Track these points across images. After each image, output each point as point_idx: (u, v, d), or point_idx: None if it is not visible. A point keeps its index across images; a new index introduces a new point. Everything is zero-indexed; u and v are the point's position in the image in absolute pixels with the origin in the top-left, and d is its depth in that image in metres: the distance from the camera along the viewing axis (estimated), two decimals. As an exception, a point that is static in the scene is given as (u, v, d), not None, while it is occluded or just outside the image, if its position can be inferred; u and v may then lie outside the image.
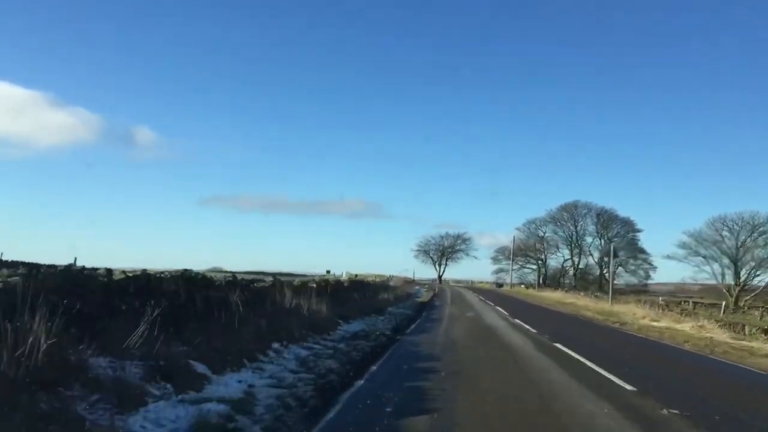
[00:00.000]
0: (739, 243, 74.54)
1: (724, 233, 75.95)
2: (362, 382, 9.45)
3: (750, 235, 73.56)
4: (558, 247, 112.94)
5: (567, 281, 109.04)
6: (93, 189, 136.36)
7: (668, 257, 77.40)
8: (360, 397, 8.22)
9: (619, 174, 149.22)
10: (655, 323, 25.40)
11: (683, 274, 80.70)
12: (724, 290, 74.90)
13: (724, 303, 57.33)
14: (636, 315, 29.76)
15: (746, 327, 25.31)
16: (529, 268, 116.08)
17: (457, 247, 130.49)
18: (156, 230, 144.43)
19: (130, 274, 10.84)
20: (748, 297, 71.60)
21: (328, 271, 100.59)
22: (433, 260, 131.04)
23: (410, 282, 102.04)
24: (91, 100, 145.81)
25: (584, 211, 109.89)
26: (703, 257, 76.18)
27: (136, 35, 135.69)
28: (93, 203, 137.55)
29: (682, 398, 9.02)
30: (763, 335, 21.50)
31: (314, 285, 22.48)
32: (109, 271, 10.95)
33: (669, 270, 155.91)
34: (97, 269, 11.46)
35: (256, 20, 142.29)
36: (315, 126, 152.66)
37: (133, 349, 7.52)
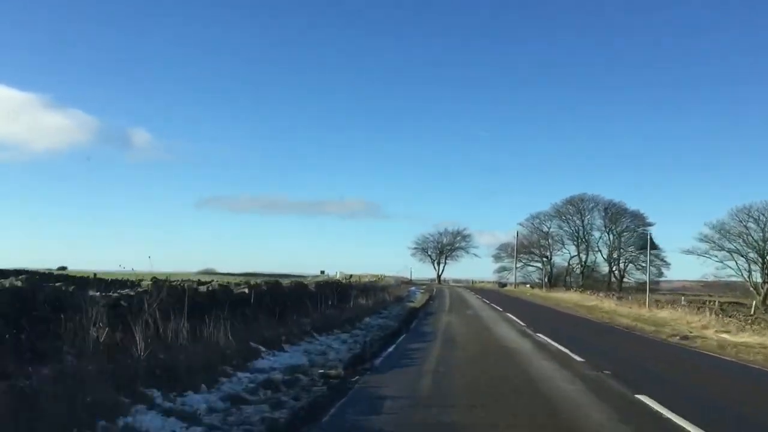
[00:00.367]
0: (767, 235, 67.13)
1: (750, 225, 68.58)
2: None
3: (780, 226, 66.34)
4: (563, 243, 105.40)
5: (572, 280, 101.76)
6: (90, 191, 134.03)
7: (689, 252, 69.78)
8: None
9: (626, 166, 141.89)
10: (733, 338, 17.95)
11: (704, 270, 72.85)
12: (751, 288, 67.48)
13: (754, 302, 50.24)
14: (692, 324, 22.35)
15: None
16: (533, 266, 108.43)
17: (457, 245, 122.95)
18: (151, 232, 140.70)
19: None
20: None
21: (322, 272, 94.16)
22: (431, 259, 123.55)
23: (406, 282, 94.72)
24: (88, 101, 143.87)
25: (591, 205, 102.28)
26: (727, 251, 68.66)
27: (132, 36, 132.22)
28: (89, 206, 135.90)
29: None
30: None
31: (245, 290, 15.10)
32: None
33: (682, 266, 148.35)
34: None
35: (254, 20, 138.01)
36: (313, 126, 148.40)
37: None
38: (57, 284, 10.69)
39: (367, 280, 55.75)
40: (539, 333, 18.12)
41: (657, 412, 7.54)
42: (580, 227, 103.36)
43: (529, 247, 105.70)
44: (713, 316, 25.03)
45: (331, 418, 6.92)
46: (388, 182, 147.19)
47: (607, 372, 10.68)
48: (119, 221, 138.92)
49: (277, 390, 8.03)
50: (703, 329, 20.56)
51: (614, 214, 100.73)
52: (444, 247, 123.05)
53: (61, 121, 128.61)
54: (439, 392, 8.73)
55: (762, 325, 22.23)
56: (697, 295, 62.70)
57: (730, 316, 26.07)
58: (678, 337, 18.38)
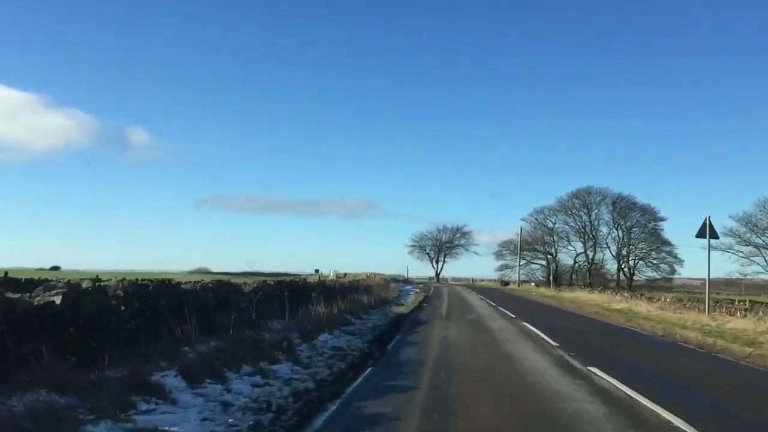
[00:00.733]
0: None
1: (779, 217, 61.25)
2: None
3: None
4: (569, 240, 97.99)
5: (578, 278, 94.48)
6: (88, 191, 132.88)
7: (712, 248, 62.06)
8: None
9: (634, 160, 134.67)
10: None
11: (728, 267, 65.32)
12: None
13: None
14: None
15: None
16: (537, 263, 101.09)
17: (456, 242, 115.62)
18: (149, 232, 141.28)
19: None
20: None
21: (316, 270, 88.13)
22: (429, 257, 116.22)
23: (402, 280, 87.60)
24: (86, 101, 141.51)
25: (598, 199, 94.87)
26: (754, 246, 61.33)
27: (131, 36, 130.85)
28: (87, 205, 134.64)
29: None
30: None
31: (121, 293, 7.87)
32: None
33: (694, 263, 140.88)
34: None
35: (253, 20, 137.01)
36: (312, 125, 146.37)
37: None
38: None
39: (360, 278, 49.90)
40: (592, 366, 10.78)
41: None
42: (587, 222, 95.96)
43: (533, 243, 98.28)
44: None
45: None
46: (387, 181, 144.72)
47: None
48: (117, 221, 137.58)
49: None
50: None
51: (623, 208, 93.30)
52: (443, 245, 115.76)
53: (59, 121, 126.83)
54: None
55: None
56: (727, 295, 55.45)
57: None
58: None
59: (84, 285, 8.58)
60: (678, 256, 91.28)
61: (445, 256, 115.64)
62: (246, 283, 16.15)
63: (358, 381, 9.30)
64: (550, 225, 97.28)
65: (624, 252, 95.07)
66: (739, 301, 45.79)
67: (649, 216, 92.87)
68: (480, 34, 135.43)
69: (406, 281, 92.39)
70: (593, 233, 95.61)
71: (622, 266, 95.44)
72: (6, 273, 28.57)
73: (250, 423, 6.19)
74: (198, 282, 14.47)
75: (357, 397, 8.04)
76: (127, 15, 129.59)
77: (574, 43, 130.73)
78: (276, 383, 8.37)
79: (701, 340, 16.07)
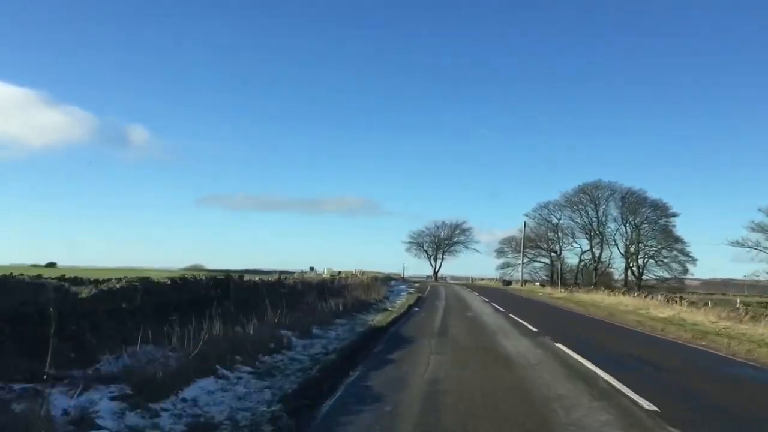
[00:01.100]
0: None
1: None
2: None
3: None
4: (574, 237, 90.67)
5: (584, 278, 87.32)
6: (86, 189, 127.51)
7: (738, 244, 55.27)
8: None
9: (644, 153, 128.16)
10: None
11: (751, 267, 58.04)
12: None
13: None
14: None
15: None
16: (540, 261, 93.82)
17: (455, 239, 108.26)
18: (145, 230, 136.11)
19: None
20: None
21: (311, 268, 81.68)
22: (427, 254, 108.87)
23: (399, 279, 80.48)
24: (85, 98, 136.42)
25: (607, 193, 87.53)
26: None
27: (130, 33, 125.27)
28: (85, 203, 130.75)
29: None
30: None
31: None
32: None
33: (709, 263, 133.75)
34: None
35: (252, 19, 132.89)
36: (311, 124, 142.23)
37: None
38: None
39: (342, 276, 43.03)
40: None
41: None
42: (594, 218, 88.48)
43: (536, 240, 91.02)
44: None
45: None
46: (387, 180, 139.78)
47: None
48: (115, 218, 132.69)
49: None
50: None
51: (633, 203, 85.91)
52: (441, 242, 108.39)
53: (58, 118, 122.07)
54: None
55: None
56: (745, 296, 48.31)
57: None
58: None
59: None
60: (691, 254, 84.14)
61: (443, 254, 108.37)
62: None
63: None
64: (555, 221, 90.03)
65: (632, 250, 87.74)
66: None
67: (661, 212, 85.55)
68: (480, 33, 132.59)
69: (403, 280, 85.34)
70: (600, 230, 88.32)
71: (631, 265, 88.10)
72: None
73: None
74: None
75: None
76: (127, 13, 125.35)
77: (574, 43, 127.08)
78: None
79: None
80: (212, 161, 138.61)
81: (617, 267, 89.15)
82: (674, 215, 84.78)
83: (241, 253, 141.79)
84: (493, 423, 6.31)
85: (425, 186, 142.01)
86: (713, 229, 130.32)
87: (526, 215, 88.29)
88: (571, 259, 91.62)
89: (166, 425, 5.74)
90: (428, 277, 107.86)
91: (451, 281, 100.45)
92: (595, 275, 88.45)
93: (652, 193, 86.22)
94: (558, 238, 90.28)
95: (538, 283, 76.18)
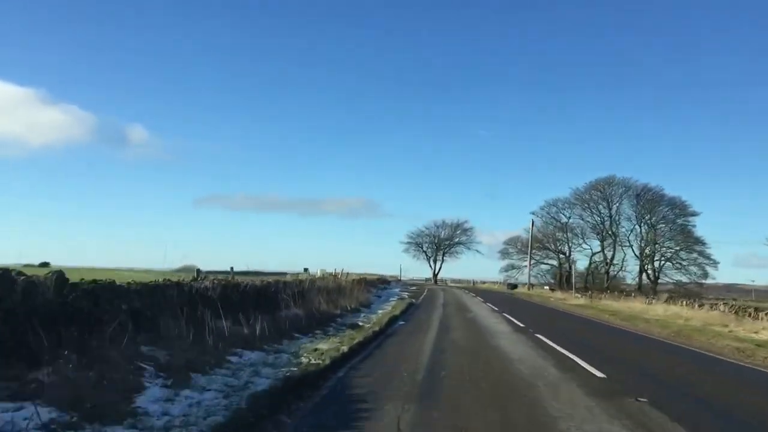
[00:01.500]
0: None
1: None
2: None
3: None
4: (584, 237, 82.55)
5: (594, 281, 79.33)
6: (84, 188, 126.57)
7: None
8: None
9: (660, 145, 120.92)
10: None
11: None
12: None
13: None
14: None
15: None
16: (547, 263, 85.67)
17: (456, 239, 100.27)
18: (143, 229, 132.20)
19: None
20: None
21: (305, 269, 75.61)
22: (426, 255, 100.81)
23: (394, 281, 72.60)
24: (84, 97, 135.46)
25: (621, 190, 79.43)
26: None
27: (130, 33, 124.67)
28: (82, 202, 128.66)
29: None
30: None
31: None
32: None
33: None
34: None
35: (252, 19, 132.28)
36: (311, 125, 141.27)
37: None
38: None
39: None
40: None
41: None
42: (607, 217, 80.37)
43: (544, 241, 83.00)
44: None
45: None
46: (387, 181, 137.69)
47: None
48: (115, 218, 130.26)
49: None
50: None
51: (649, 201, 77.79)
52: (441, 242, 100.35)
53: (58, 117, 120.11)
54: None
55: None
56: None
57: None
58: None
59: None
60: (712, 257, 75.91)
61: (443, 255, 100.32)
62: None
63: None
64: (564, 220, 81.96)
65: (648, 251, 79.58)
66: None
67: (679, 210, 77.48)
68: (480, 34, 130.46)
69: (398, 282, 77.48)
70: (613, 230, 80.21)
71: (646, 267, 79.89)
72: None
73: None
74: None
75: None
76: (128, 13, 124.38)
77: (574, 43, 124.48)
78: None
79: None
80: (212, 161, 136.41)
81: (630, 270, 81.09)
82: (694, 214, 76.65)
83: (241, 253, 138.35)
84: None
85: (425, 187, 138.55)
86: (727, 230, 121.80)
87: (534, 213, 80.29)
88: (578, 261, 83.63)
89: None
90: (427, 279, 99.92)
91: (452, 284, 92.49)
92: (606, 279, 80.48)
93: (670, 191, 78.16)
94: (567, 238, 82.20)
95: (547, 287, 68.08)
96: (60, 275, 8.07)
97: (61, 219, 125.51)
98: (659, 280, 79.01)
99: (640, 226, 79.19)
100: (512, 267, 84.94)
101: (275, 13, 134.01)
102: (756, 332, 16.04)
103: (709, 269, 76.09)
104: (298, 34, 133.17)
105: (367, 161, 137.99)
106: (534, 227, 77.81)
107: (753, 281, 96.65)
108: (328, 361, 9.40)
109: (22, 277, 7.45)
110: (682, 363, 11.70)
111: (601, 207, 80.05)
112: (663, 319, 21.79)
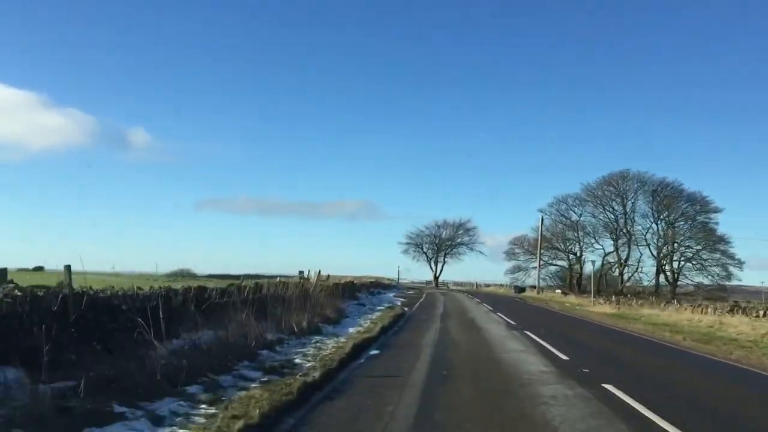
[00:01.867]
0: None
1: None
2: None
3: None
4: (596, 237, 75.37)
5: (606, 284, 72.25)
6: (86, 191, 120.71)
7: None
8: None
9: (679, 137, 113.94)
10: None
11: None
12: None
13: None
14: None
15: None
16: (556, 264, 78.44)
17: (458, 240, 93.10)
18: (144, 233, 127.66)
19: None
20: None
21: (300, 272, 69.51)
22: (427, 257, 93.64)
23: (393, 285, 65.60)
24: (85, 101, 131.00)
25: (636, 185, 72.16)
26: None
27: (132, 36, 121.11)
28: (86, 204, 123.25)
29: None
30: None
31: None
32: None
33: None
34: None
35: (253, 21, 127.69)
36: (311, 127, 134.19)
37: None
38: None
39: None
40: None
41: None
42: (621, 214, 73.18)
43: (552, 240, 75.85)
44: None
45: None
46: (387, 183, 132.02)
47: None
48: (115, 222, 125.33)
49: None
50: None
51: (667, 197, 70.47)
52: (442, 242, 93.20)
53: (59, 120, 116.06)
54: None
55: None
56: None
57: None
58: None
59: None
60: (736, 256, 68.52)
61: (445, 256, 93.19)
62: None
63: None
64: (575, 218, 74.81)
65: (665, 251, 72.24)
66: None
67: (700, 207, 70.19)
68: (481, 35, 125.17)
69: (395, 286, 70.47)
70: (628, 228, 72.99)
71: (664, 268, 72.51)
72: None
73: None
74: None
75: None
76: (128, 15, 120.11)
77: (574, 44, 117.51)
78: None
79: None
80: (213, 164, 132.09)
81: (646, 271, 73.75)
82: (716, 211, 69.29)
83: (242, 257, 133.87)
84: None
85: (426, 190, 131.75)
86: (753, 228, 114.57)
87: (542, 211, 73.15)
88: (588, 262, 76.46)
89: None
90: (428, 282, 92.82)
91: (454, 287, 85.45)
92: (621, 281, 73.29)
93: (690, 185, 70.96)
94: (578, 237, 75.00)
95: (558, 291, 60.82)
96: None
97: (60, 223, 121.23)
98: (678, 282, 71.75)
99: (657, 224, 72.00)
100: (519, 269, 77.75)
101: (275, 16, 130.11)
102: None
103: (732, 269, 68.98)
104: (298, 37, 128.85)
105: (368, 164, 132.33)
106: (542, 226, 70.69)
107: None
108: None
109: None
110: None
111: (614, 203, 72.92)
112: (754, 341, 14.73)
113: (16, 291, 7.23)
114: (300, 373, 8.43)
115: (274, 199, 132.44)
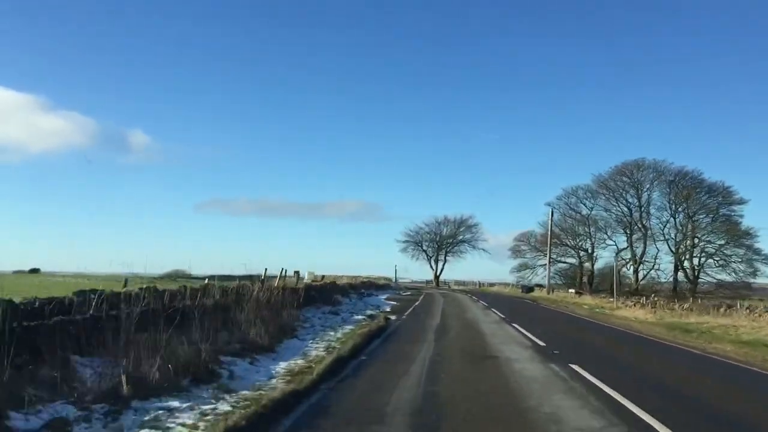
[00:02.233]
0: None
1: None
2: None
3: None
4: (609, 232, 68.59)
5: (618, 282, 65.32)
6: (85, 193, 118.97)
7: None
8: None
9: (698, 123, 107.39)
10: None
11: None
12: None
13: None
14: None
15: None
16: (564, 261, 71.59)
17: (460, 237, 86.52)
18: (144, 233, 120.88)
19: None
20: None
21: (296, 272, 64.31)
22: (427, 255, 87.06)
23: (392, 285, 59.11)
24: (85, 103, 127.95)
25: (652, 175, 65.41)
26: None
27: (130, 37, 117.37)
28: (85, 208, 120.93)
29: None
30: None
31: None
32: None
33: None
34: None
35: (253, 22, 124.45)
36: (312, 128, 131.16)
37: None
38: None
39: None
40: None
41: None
42: (636, 207, 66.40)
43: (561, 236, 69.04)
44: None
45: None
46: (389, 184, 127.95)
47: None
48: (115, 223, 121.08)
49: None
50: None
51: (686, 188, 63.60)
52: (443, 240, 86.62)
53: (58, 123, 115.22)
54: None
55: None
56: None
57: None
58: None
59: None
60: (763, 252, 61.43)
61: (446, 255, 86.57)
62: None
63: None
64: (586, 211, 68.04)
65: (684, 247, 65.30)
66: None
67: (722, 198, 63.34)
68: (481, 36, 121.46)
69: (391, 286, 63.94)
70: (643, 222, 66.21)
71: (683, 265, 65.53)
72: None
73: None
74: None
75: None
76: (128, 17, 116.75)
77: (574, 44, 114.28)
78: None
79: None
80: (212, 166, 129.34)
81: (663, 268, 66.84)
82: (741, 202, 62.38)
83: (241, 258, 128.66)
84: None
85: (426, 190, 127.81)
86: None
87: (549, 204, 66.35)
88: (600, 258, 69.74)
89: None
90: (428, 281, 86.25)
91: (456, 287, 78.83)
92: (636, 279, 66.55)
93: (711, 175, 64.13)
94: (590, 233, 68.23)
95: (572, 291, 53.94)
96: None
97: (59, 225, 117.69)
98: (699, 279, 64.85)
99: (675, 218, 65.19)
100: (525, 266, 71.01)
101: (276, 17, 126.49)
102: None
103: (759, 265, 62.02)
104: (299, 38, 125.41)
105: (369, 164, 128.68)
106: (545, 223, 63.93)
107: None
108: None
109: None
110: None
111: (628, 195, 66.21)
112: None
113: None
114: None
115: (274, 199, 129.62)
